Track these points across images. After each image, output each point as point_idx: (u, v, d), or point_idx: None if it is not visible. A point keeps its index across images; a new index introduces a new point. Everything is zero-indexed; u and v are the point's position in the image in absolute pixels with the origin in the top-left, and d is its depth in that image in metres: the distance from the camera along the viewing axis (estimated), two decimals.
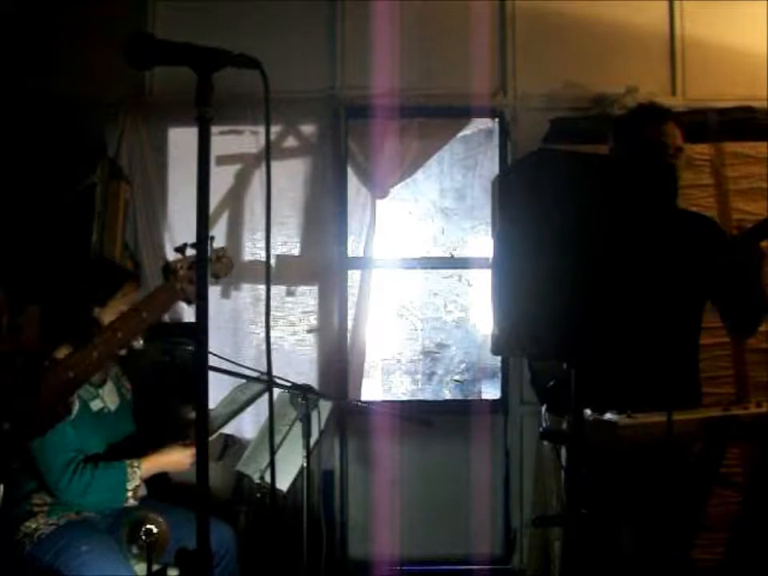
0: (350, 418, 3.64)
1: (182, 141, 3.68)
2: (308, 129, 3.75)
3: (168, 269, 2.16)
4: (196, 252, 1.40)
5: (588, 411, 1.91)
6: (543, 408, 2.37)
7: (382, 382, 4.70)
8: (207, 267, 1.41)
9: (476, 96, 3.68)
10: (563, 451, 2.38)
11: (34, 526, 2.29)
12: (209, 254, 2.25)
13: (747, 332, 2.41)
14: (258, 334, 3.62)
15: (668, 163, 2.29)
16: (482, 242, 4.38)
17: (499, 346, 2.33)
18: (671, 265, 2.03)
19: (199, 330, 1.38)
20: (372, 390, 4.48)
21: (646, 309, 2.06)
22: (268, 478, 2.84)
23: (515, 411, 3.68)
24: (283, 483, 2.85)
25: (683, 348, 2.30)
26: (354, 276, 3.75)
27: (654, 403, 1.89)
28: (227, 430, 3.28)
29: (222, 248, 2.38)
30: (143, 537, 2.10)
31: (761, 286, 2.28)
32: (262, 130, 3.47)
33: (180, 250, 2.16)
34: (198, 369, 1.39)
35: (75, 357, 1.89)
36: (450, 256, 4.47)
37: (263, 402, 2.81)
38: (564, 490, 2.43)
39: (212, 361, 1.51)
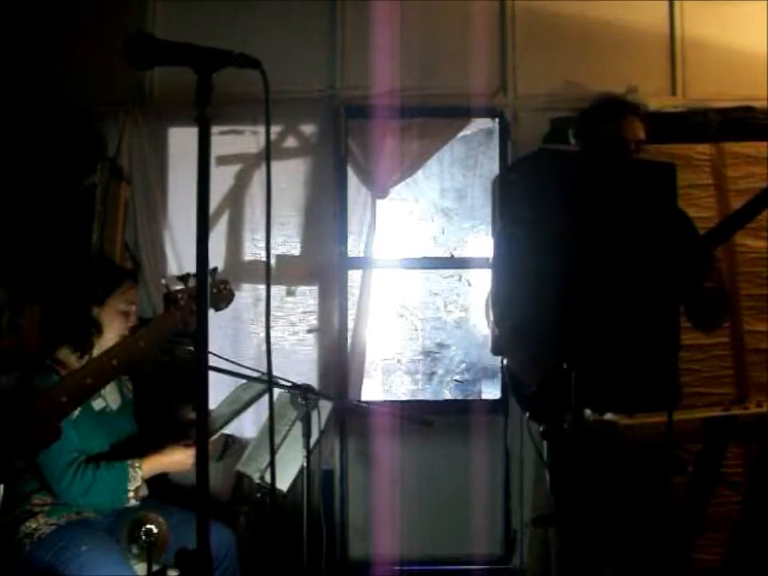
0: (350, 418, 3.64)
1: (182, 141, 3.68)
2: (308, 129, 3.76)
3: (169, 298, 2.17)
4: (197, 252, 1.40)
5: (588, 411, 1.90)
6: (526, 415, 2.36)
7: (382, 381, 4.69)
8: (207, 266, 1.40)
9: (476, 96, 3.69)
10: (545, 450, 2.37)
11: (34, 525, 2.29)
12: (210, 285, 2.26)
13: (706, 328, 2.38)
14: (259, 333, 3.62)
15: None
16: (482, 242, 4.38)
17: (499, 346, 2.34)
18: (663, 265, 2.03)
19: (199, 330, 1.38)
20: (372, 389, 4.48)
21: (640, 308, 2.06)
22: (268, 478, 2.84)
23: (515, 411, 3.67)
24: (283, 483, 2.85)
25: (665, 348, 2.29)
26: (354, 276, 3.76)
27: (638, 403, 1.90)
28: (227, 429, 3.28)
29: (224, 280, 2.39)
30: (143, 537, 2.10)
31: (715, 286, 2.26)
32: (262, 130, 3.47)
33: (183, 279, 2.16)
34: (198, 369, 1.39)
35: (69, 382, 1.90)
36: (450, 256, 4.47)
37: (263, 401, 2.81)
38: (549, 488, 2.42)
39: (212, 361, 1.51)
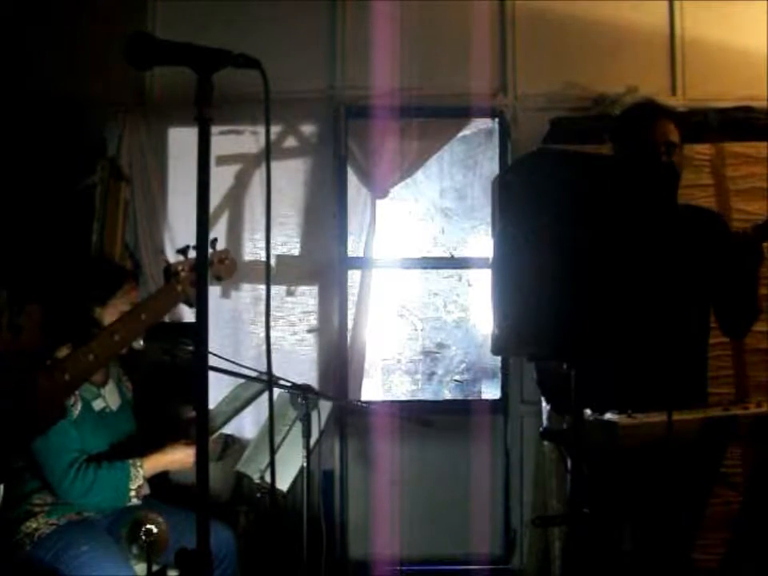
0: (350, 418, 3.64)
1: (182, 141, 3.68)
2: (308, 129, 3.76)
3: (169, 271, 2.16)
4: (196, 252, 1.40)
5: (588, 411, 1.90)
6: (548, 407, 2.37)
7: (382, 382, 4.69)
8: (207, 267, 1.41)
9: (476, 96, 3.69)
10: (566, 451, 2.38)
11: (34, 525, 2.29)
12: (211, 256, 2.27)
13: (741, 331, 2.40)
14: (258, 333, 3.62)
15: (668, 161, 2.29)
16: (482, 242, 4.38)
17: (499, 346, 2.33)
18: (673, 264, 2.03)
19: (199, 330, 1.38)
20: (372, 389, 4.48)
21: (646, 308, 2.06)
22: (268, 478, 2.84)
23: (515, 411, 3.68)
24: (283, 483, 2.85)
25: (688, 347, 2.30)
26: (354, 276, 3.76)
27: (658, 403, 1.89)
28: (227, 429, 3.28)
29: (225, 250, 2.39)
30: (143, 537, 2.10)
31: (756, 287, 2.28)
32: (261, 130, 3.45)
33: (182, 251, 2.16)
34: (198, 369, 1.39)
35: (71, 359, 1.88)
36: (450, 256, 4.47)
37: (263, 401, 2.80)
38: (569, 490, 2.43)
39: (212, 361, 1.51)
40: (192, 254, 2.19)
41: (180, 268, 2.18)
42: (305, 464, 2.70)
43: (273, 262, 3.68)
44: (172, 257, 3.64)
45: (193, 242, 1.38)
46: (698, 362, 2.36)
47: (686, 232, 2.16)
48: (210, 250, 2.26)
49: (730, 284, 2.24)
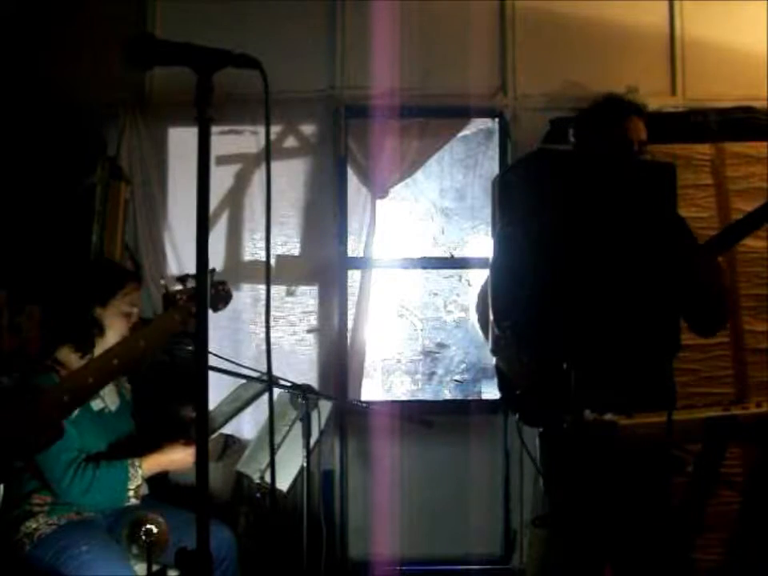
0: (350, 417, 3.64)
1: (182, 141, 3.69)
2: (308, 129, 3.76)
3: (168, 299, 2.17)
4: (196, 254, 1.40)
5: (588, 411, 1.91)
6: (516, 417, 2.35)
7: (382, 382, 4.69)
8: (207, 268, 1.40)
9: (476, 96, 3.69)
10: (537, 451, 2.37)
11: (34, 525, 2.29)
12: (208, 286, 2.28)
13: (708, 332, 2.36)
14: (258, 333, 3.62)
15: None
16: (482, 242, 4.38)
17: (499, 346, 2.33)
18: (662, 266, 2.02)
19: (199, 331, 1.38)
20: (372, 389, 4.48)
21: (638, 308, 2.06)
22: (268, 478, 2.84)
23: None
24: (283, 483, 2.85)
25: (663, 347, 2.27)
26: (354, 276, 3.76)
27: (636, 404, 1.90)
28: (227, 429, 3.29)
29: (222, 281, 2.40)
30: (143, 537, 2.09)
31: (719, 292, 2.24)
32: (262, 129, 3.47)
33: (181, 280, 2.17)
34: (198, 369, 1.39)
35: (71, 381, 1.90)
36: (449, 256, 4.47)
37: (263, 401, 2.81)
38: (543, 490, 2.42)
39: (212, 361, 1.52)
40: (191, 283, 2.21)
41: (178, 297, 2.19)
42: (305, 464, 2.70)
43: (273, 262, 3.68)
44: (172, 257, 3.66)
45: (193, 241, 1.38)
46: (666, 361, 2.32)
47: (673, 236, 2.14)
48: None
49: (691, 287, 2.20)
